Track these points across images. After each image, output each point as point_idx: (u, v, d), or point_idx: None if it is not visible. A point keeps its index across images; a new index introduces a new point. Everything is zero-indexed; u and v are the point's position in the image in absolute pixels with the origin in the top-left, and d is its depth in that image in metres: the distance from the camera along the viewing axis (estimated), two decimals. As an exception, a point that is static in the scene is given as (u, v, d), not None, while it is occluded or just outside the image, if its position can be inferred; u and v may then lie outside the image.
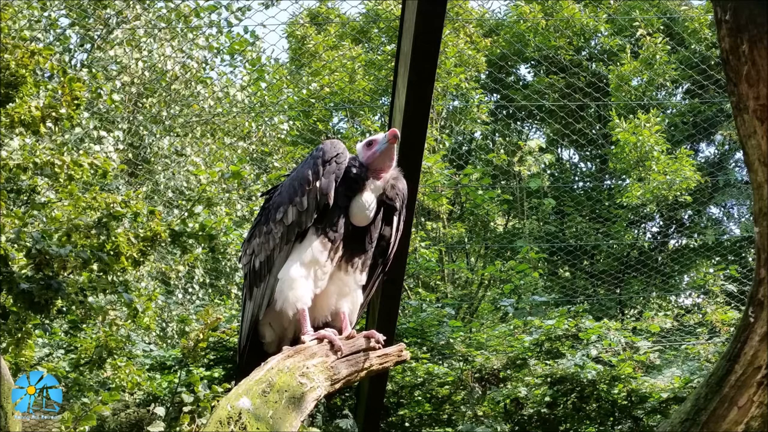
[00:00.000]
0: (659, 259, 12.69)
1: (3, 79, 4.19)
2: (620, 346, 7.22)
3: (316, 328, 2.97)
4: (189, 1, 8.63)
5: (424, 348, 7.37)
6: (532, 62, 13.18)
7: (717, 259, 12.70)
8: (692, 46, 11.81)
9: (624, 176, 11.77)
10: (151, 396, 6.14)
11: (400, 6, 4.44)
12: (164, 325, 7.65)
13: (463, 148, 12.91)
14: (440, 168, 9.32)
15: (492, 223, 12.46)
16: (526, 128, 13.98)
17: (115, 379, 5.31)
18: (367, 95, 11.39)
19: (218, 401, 3.39)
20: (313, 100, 11.31)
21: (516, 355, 7.20)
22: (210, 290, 8.87)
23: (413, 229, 8.60)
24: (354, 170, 2.99)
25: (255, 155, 10.02)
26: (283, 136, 10.13)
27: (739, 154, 12.43)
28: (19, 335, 4.46)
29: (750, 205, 9.96)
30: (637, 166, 10.85)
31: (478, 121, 11.99)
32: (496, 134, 13.38)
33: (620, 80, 11.55)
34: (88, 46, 8.70)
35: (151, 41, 8.56)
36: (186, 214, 5.25)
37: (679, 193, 10.68)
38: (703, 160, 13.13)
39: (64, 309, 4.77)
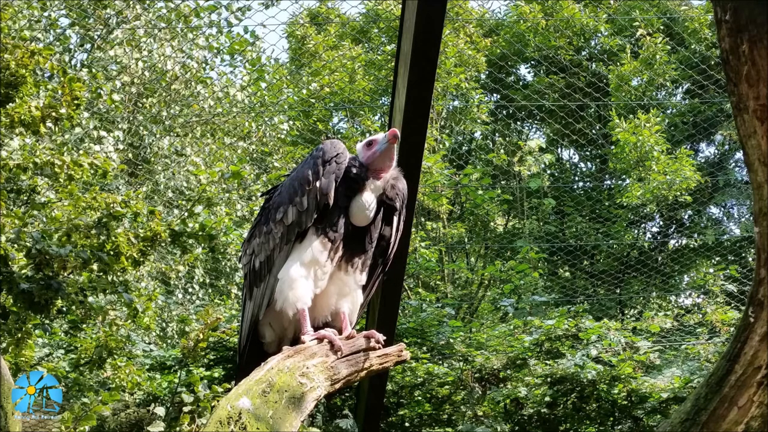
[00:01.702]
0: (659, 259, 12.69)
1: (3, 79, 4.19)
2: (620, 346, 7.21)
3: (316, 328, 2.97)
4: (189, 1, 8.64)
5: (424, 348, 7.36)
6: (532, 62, 13.18)
7: (717, 259, 12.70)
8: (692, 46, 11.80)
9: (624, 176, 11.77)
10: (151, 396, 6.14)
11: (400, 6, 4.44)
12: (164, 325, 7.65)
13: (463, 148, 12.91)
14: (440, 168, 9.31)
15: (492, 223, 12.46)
16: (526, 128, 13.98)
17: (115, 379, 5.30)
18: (367, 95, 11.39)
19: (218, 401, 3.38)
20: (313, 100, 11.31)
21: (516, 355, 7.20)
22: (210, 290, 8.87)
23: (413, 229, 8.60)
24: (354, 170, 2.99)
25: (255, 155, 10.02)
26: (283, 136, 10.13)
27: (739, 154, 12.42)
28: (19, 335, 4.46)
29: (750, 205, 9.94)
30: (637, 166, 10.85)
31: (478, 121, 12.00)
32: (496, 134, 13.38)
33: (620, 80, 11.55)
34: (88, 46, 8.70)
35: (151, 41, 8.56)
36: (186, 214, 5.25)
37: (679, 193, 10.68)
38: (703, 160, 13.12)
39: (64, 309, 4.76)
